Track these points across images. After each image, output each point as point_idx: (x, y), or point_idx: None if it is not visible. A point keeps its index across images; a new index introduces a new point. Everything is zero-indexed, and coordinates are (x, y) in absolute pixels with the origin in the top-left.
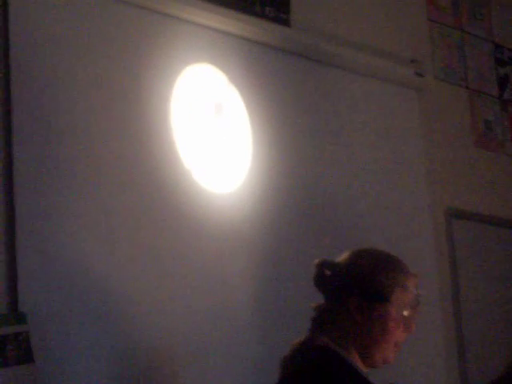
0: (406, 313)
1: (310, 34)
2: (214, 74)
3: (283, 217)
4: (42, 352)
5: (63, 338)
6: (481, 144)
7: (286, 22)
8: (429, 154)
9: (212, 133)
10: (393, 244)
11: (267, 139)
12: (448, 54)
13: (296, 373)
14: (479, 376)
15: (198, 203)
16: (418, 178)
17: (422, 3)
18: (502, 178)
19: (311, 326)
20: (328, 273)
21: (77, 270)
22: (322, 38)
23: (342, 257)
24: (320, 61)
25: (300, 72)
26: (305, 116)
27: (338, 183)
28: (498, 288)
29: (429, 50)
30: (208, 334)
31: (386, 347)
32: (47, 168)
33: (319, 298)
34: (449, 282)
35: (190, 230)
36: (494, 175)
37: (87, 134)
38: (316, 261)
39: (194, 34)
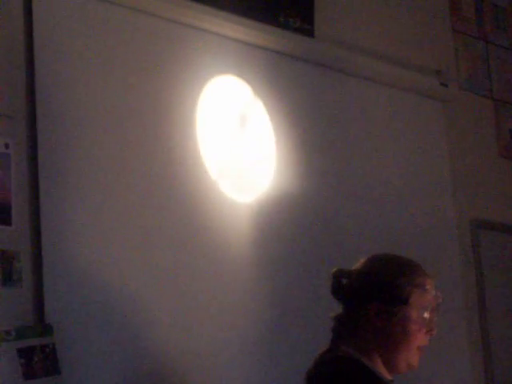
0: (426, 314)
1: (334, 45)
2: (239, 86)
3: (307, 226)
4: (68, 363)
5: (89, 349)
6: (506, 154)
7: (309, 33)
8: (454, 165)
9: (237, 144)
10: (418, 255)
11: (291, 150)
12: (472, 64)
13: (317, 381)
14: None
15: (225, 213)
16: (443, 188)
17: (446, 14)
18: None
19: (332, 337)
20: (345, 281)
21: (102, 282)
22: (346, 48)
23: (358, 264)
24: (344, 71)
25: (324, 83)
26: (329, 127)
27: (361, 194)
28: None
29: (453, 60)
30: (226, 340)
31: (410, 351)
32: (72, 181)
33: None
34: (475, 293)
35: (217, 239)
36: None
37: (113, 145)
38: (332, 270)
39: (218, 45)
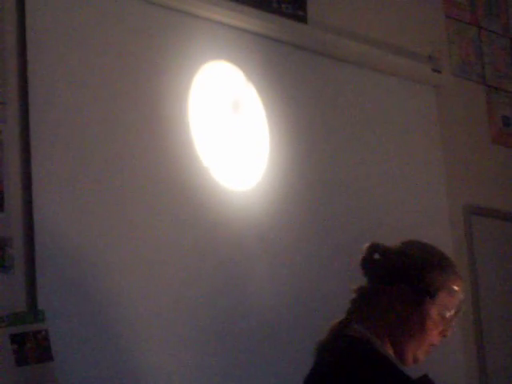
0: (448, 315)
1: (327, 31)
2: (232, 72)
3: (301, 213)
4: (60, 350)
5: (82, 335)
6: (498, 140)
7: (302, 19)
8: (446, 151)
9: (230, 130)
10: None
11: (284, 136)
12: (465, 50)
13: (330, 364)
14: (498, 371)
15: (216, 200)
16: (436, 174)
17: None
18: None
19: (349, 308)
20: (377, 256)
21: (94, 269)
22: (339, 34)
23: (394, 244)
24: (336, 58)
25: (317, 69)
26: (321, 113)
27: (355, 180)
28: None
29: (446, 46)
30: (224, 331)
31: (420, 346)
32: (64, 168)
33: (337, 297)
34: (467, 279)
35: (209, 227)
36: (511, 171)
37: (105, 132)
38: (367, 244)
39: (211, 31)
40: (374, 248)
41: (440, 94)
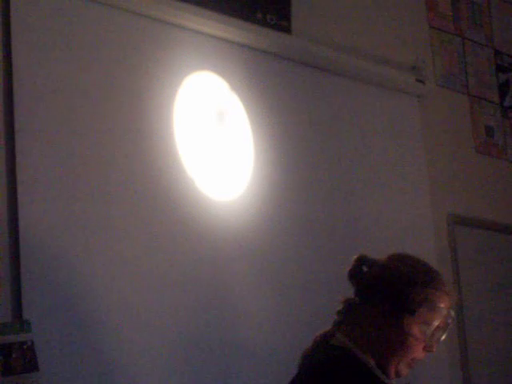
0: (429, 332)
1: (311, 42)
2: (216, 82)
3: (285, 224)
4: (46, 360)
5: (67, 346)
6: (482, 150)
7: (287, 30)
8: (430, 161)
9: (214, 141)
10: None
11: (269, 146)
12: (449, 61)
13: (310, 372)
14: (481, 377)
15: (201, 211)
16: (420, 184)
17: (422, 10)
18: (504, 183)
19: (336, 319)
20: (365, 269)
21: (80, 279)
22: (323, 45)
23: (383, 257)
24: (321, 68)
25: (301, 79)
26: (305, 123)
27: (339, 190)
28: (501, 294)
29: (429, 56)
30: (210, 342)
31: (402, 361)
32: (50, 178)
33: (323, 307)
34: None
35: (194, 237)
36: (495, 181)
37: (89, 143)
38: (355, 255)
39: (195, 42)
40: (361, 260)
41: (424, 104)
